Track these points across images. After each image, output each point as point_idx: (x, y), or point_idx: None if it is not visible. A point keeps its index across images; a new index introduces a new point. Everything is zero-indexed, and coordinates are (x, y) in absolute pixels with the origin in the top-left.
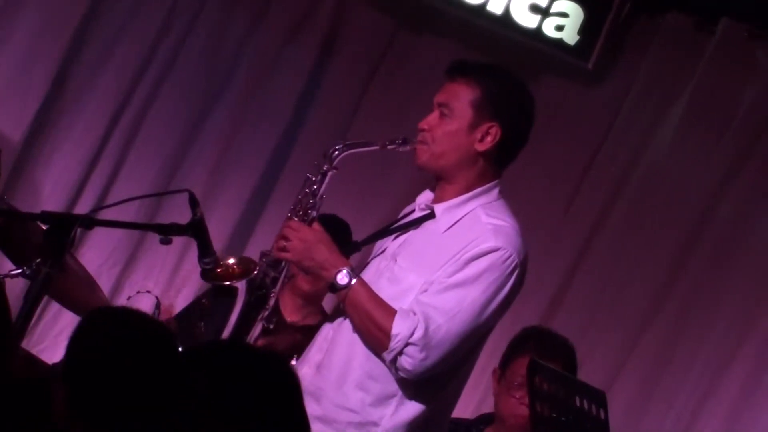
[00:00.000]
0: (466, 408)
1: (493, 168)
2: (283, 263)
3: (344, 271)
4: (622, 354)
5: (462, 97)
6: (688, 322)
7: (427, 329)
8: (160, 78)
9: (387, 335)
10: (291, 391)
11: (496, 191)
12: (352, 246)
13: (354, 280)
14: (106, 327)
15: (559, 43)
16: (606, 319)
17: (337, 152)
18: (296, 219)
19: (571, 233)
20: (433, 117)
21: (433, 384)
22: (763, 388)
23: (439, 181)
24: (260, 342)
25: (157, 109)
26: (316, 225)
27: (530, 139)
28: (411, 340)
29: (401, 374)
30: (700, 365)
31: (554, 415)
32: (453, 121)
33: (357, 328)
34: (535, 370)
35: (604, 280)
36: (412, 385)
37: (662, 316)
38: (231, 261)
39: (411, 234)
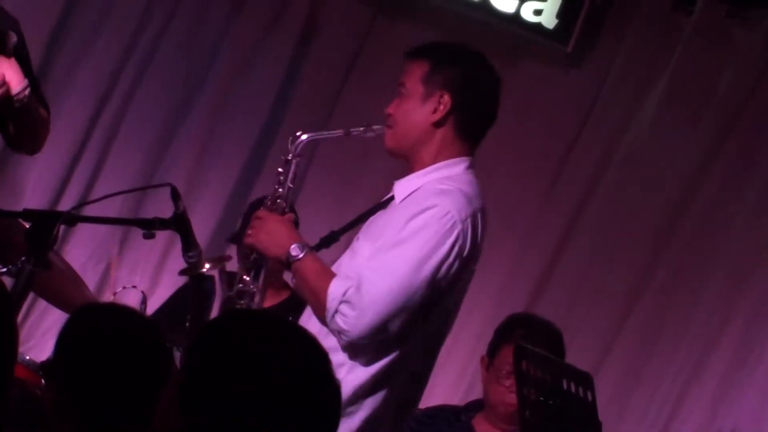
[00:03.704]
0: (454, 395)
1: (456, 143)
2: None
3: (296, 246)
4: (608, 338)
5: (414, 75)
6: (672, 305)
7: (359, 287)
8: (139, 73)
9: (325, 298)
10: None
11: (461, 167)
12: (330, 236)
13: (303, 254)
14: (93, 323)
15: (538, 27)
16: (590, 303)
17: (299, 140)
18: (265, 209)
19: (552, 217)
20: (395, 100)
21: (381, 349)
22: (747, 369)
23: (407, 165)
24: None
25: (137, 103)
26: (289, 215)
27: (510, 123)
28: (344, 298)
29: (343, 338)
30: (686, 347)
31: (542, 398)
32: (408, 99)
33: (306, 299)
34: (521, 354)
35: (588, 263)
36: (358, 352)
37: (646, 299)
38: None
39: (377, 214)
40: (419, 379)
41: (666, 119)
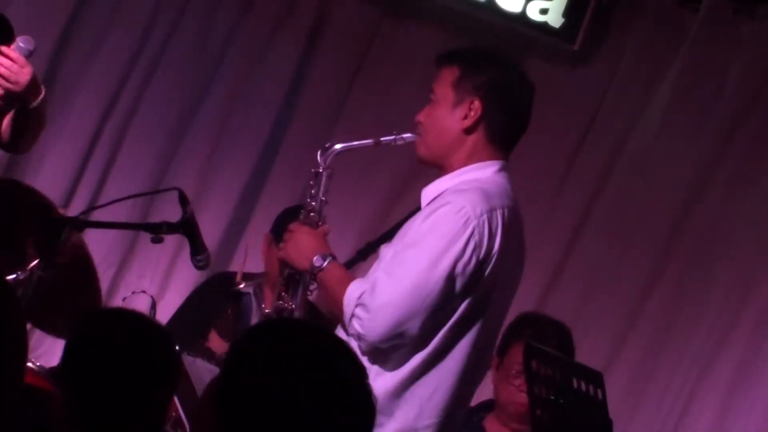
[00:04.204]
0: None
1: (488, 149)
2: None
3: (318, 256)
4: (618, 336)
5: (444, 81)
6: (681, 301)
7: (374, 289)
8: (147, 75)
9: (342, 303)
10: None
11: (491, 169)
12: (366, 248)
13: (326, 263)
14: (101, 329)
15: (544, 26)
16: (600, 302)
17: (329, 151)
18: (299, 222)
19: (562, 216)
20: (426, 108)
21: (407, 352)
22: (759, 362)
23: (439, 173)
24: None
25: (146, 107)
26: (323, 227)
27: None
28: (359, 301)
29: (361, 343)
30: (697, 342)
31: (552, 397)
32: (438, 105)
33: (330, 311)
34: (531, 353)
35: (597, 262)
36: (381, 357)
37: (656, 296)
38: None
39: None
40: (469, 378)
41: (674, 116)
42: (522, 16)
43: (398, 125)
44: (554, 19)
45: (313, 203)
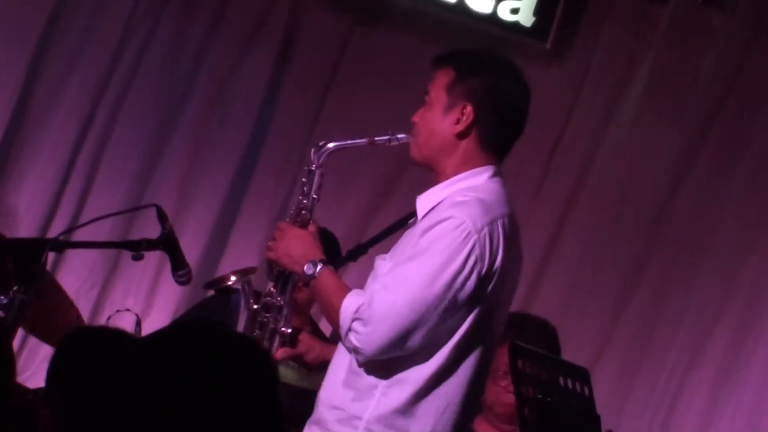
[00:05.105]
0: None
1: (481, 154)
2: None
3: (309, 264)
4: (603, 335)
5: (439, 83)
6: (666, 297)
7: (371, 303)
8: (121, 94)
9: (338, 316)
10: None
11: (484, 176)
12: (356, 249)
13: (317, 270)
14: (84, 347)
15: (515, 26)
16: (584, 302)
17: (323, 149)
18: (287, 221)
19: (542, 215)
20: (420, 109)
21: (411, 368)
22: (743, 357)
23: (430, 174)
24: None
25: (121, 126)
26: (311, 227)
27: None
28: (356, 315)
29: (358, 357)
30: (682, 338)
31: (540, 396)
32: (432, 108)
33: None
34: (517, 353)
35: (579, 262)
36: (391, 373)
37: (639, 294)
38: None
39: (403, 235)
40: (479, 390)
41: (649, 111)
42: (493, 17)
43: (375, 131)
44: (525, 18)
45: (305, 201)
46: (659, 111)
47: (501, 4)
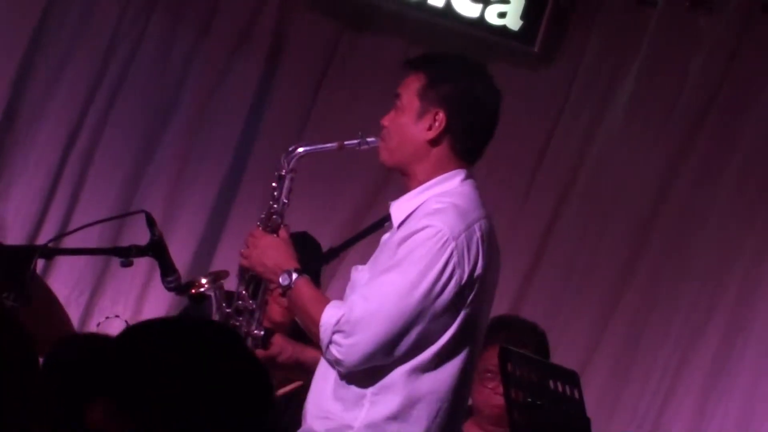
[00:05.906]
0: None
1: (453, 158)
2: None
3: (284, 274)
4: (592, 339)
5: (410, 87)
6: (655, 300)
7: (351, 314)
8: (109, 102)
9: (317, 328)
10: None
11: (457, 180)
12: (329, 252)
13: (293, 280)
14: (73, 354)
15: (503, 29)
16: (573, 306)
17: (293, 154)
18: (260, 227)
19: (531, 219)
20: (391, 112)
21: (398, 375)
22: (733, 359)
23: (402, 178)
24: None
25: (109, 132)
26: (282, 232)
27: None
28: (336, 327)
29: (340, 369)
30: (671, 341)
31: (529, 399)
32: (403, 113)
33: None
34: (506, 356)
35: (567, 266)
36: (377, 381)
37: (628, 297)
38: (203, 280)
39: (382, 238)
40: (467, 391)
41: (637, 115)
42: (480, 21)
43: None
44: (513, 22)
45: (275, 206)
46: (647, 115)
47: (488, 8)
